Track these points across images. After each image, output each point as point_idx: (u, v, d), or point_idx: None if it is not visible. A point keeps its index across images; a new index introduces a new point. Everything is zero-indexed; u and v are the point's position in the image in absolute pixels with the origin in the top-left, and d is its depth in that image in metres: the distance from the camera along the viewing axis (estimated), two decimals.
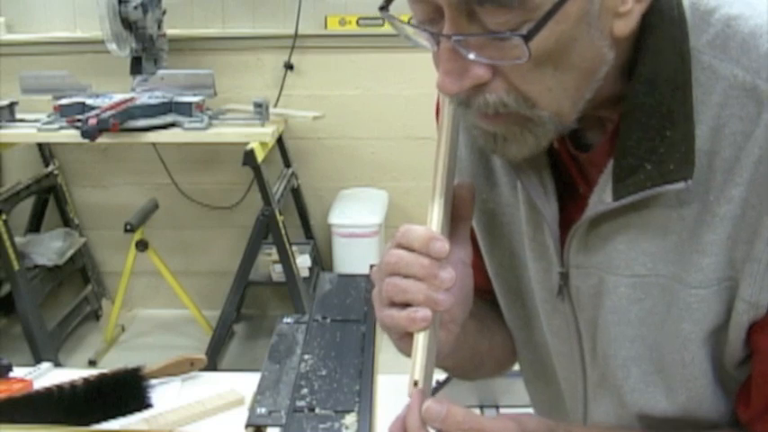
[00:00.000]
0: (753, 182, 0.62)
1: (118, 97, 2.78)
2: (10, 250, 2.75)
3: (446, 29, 0.59)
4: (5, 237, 2.74)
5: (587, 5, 0.58)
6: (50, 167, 3.25)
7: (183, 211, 3.39)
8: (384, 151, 3.32)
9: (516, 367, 0.93)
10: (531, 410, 0.95)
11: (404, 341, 0.67)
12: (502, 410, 1.37)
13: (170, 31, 3.03)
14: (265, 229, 2.81)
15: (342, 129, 3.29)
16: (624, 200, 0.65)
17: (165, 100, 2.73)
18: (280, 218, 2.80)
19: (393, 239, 0.68)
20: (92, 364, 3.01)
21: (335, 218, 3.06)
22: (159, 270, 3.16)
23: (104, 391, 1.16)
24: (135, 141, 2.71)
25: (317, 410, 1.04)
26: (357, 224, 3.02)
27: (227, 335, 3.01)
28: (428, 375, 0.64)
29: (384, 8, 0.66)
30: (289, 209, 3.25)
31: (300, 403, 1.06)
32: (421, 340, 0.64)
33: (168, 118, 2.71)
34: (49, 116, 2.75)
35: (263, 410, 1.07)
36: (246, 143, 2.63)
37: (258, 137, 2.68)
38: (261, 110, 2.73)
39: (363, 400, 1.06)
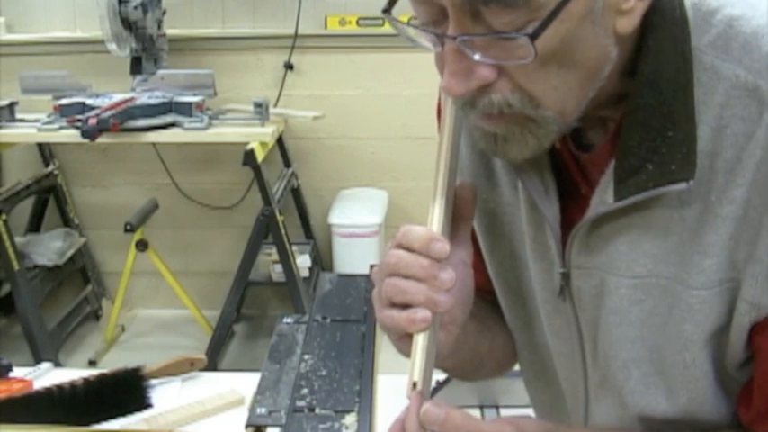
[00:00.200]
0: (754, 182, 0.61)
1: (118, 97, 2.78)
2: (10, 250, 2.75)
3: (451, 30, 0.59)
4: (5, 237, 2.74)
5: (591, 3, 0.58)
6: (50, 167, 3.25)
7: (183, 211, 3.39)
8: (384, 151, 3.32)
9: (516, 367, 0.92)
10: (531, 410, 0.94)
11: (403, 342, 0.67)
12: (502, 410, 1.37)
13: (170, 31, 3.03)
14: (265, 229, 2.81)
15: (342, 129, 3.29)
16: (626, 200, 0.65)
17: (165, 100, 2.73)
18: (280, 218, 2.80)
19: (393, 240, 0.68)
20: (92, 364, 3.01)
21: (335, 218, 3.06)
22: (159, 270, 3.16)
23: (104, 391, 1.16)
24: (135, 141, 2.71)
25: (317, 410, 1.04)
26: (357, 224, 3.02)
27: (227, 335, 3.01)
28: (427, 376, 0.64)
29: (387, 10, 0.66)
30: (289, 209, 3.25)
31: (300, 403, 1.06)
32: (420, 341, 0.64)
33: (168, 118, 2.71)
34: (49, 116, 2.75)
35: (263, 410, 1.07)
36: (246, 143, 2.63)
37: (258, 137, 2.68)
38: (261, 110, 2.73)
39: (363, 400, 1.06)
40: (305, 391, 1.09)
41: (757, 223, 0.62)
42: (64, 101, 2.76)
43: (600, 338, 0.74)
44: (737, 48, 0.63)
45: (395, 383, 1.09)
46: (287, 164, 3.24)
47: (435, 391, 1.32)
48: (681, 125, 0.63)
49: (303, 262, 3.04)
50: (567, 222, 0.72)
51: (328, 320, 1.28)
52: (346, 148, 3.32)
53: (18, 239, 2.93)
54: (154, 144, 3.15)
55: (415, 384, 0.62)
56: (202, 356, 1.31)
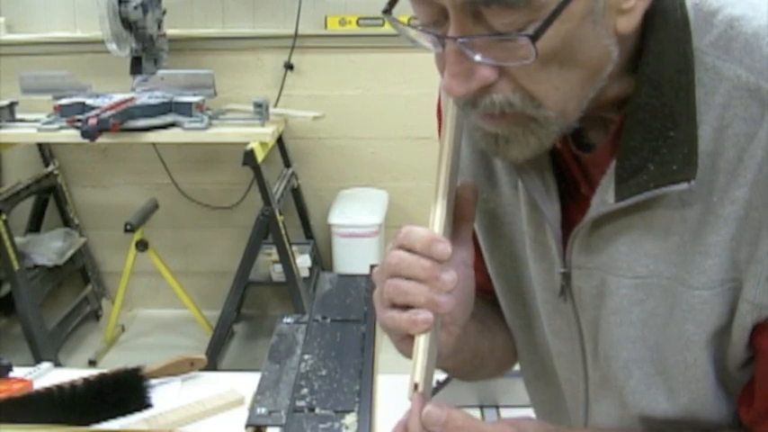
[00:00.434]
0: (756, 183, 0.61)
1: (118, 97, 2.78)
2: (10, 250, 2.75)
3: (452, 31, 0.59)
4: (5, 237, 2.74)
5: (592, 3, 0.57)
6: (50, 167, 3.25)
7: (183, 211, 3.39)
8: (384, 151, 3.32)
9: (516, 367, 0.92)
10: (531, 410, 0.94)
11: (405, 343, 0.67)
12: (502, 410, 1.37)
13: (170, 31, 3.03)
14: (265, 229, 2.81)
15: (342, 129, 3.29)
16: (627, 201, 0.65)
17: (165, 100, 2.73)
18: (280, 218, 2.80)
19: (394, 241, 0.68)
20: (92, 364, 3.01)
21: (335, 218, 3.06)
22: (159, 270, 3.16)
23: (104, 391, 1.16)
24: (135, 141, 2.71)
25: (317, 410, 1.04)
26: (357, 224, 3.02)
27: (227, 335, 3.00)
28: (429, 377, 0.64)
29: (387, 11, 0.66)
30: (289, 209, 3.25)
31: (300, 403, 1.06)
32: (422, 342, 0.64)
33: (168, 118, 2.70)
34: (49, 116, 2.75)
35: (263, 410, 1.07)
36: (246, 143, 2.63)
37: (258, 137, 2.67)
38: (261, 110, 2.73)
39: (363, 400, 1.06)
40: (305, 391, 1.09)
41: (759, 224, 0.62)
42: (64, 101, 2.76)
43: (600, 339, 0.74)
44: (739, 48, 0.63)
45: (395, 383, 1.09)
46: (287, 164, 3.24)
47: (435, 391, 1.32)
48: (682, 125, 0.63)
49: (303, 262, 3.04)
50: (568, 222, 0.72)
51: (328, 320, 1.28)
52: (346, 148, 3.32)
53: (18, 239, 2.93)
54: (154, 144, 3.15)
55: (416, 386, 0.62)
56: (202, 356, 1.31)
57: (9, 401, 1.14)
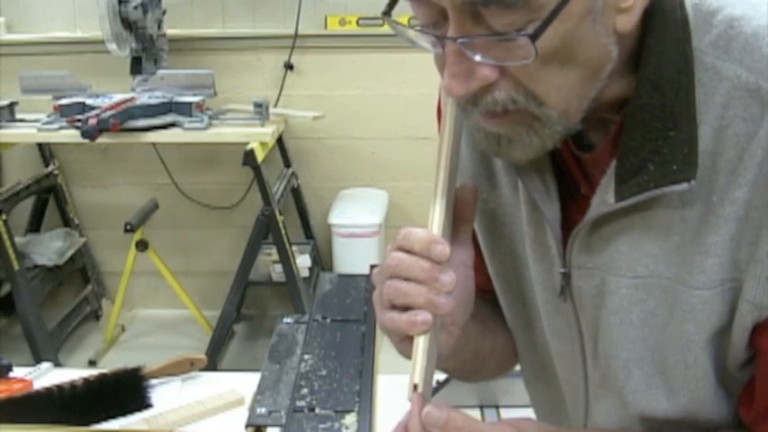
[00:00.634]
0: (756, 183, 0.61)
1: (118, 97, 2.78)
2: (10, 250, 2.75)
3: (451, 32, 0.59)
4: (5, 237, 2.74)
5: (591, 2, 0.58)
6: (50, 167, 3.25)
7: (183, 211, 3.39)
8: (384, 151, 3.32)
9: (517, 368, 0.92)
10: (531, 410, 0.94)
11: (404, 344, 0.67)
12: (502, 410, 1.37)
13: (170, 31, 3.03)
14: (265, 229, 2.81)
15: (342, 129, 3.29)
16: (627, 201, 0.65)
17: (165, 100, 2.73)
18: (280, 218, 2.80)
19: (394, 242, 0.68)
20: (92, 364, 3.01)
21: (335, 218, 3.06)
22: (159, 270, 3.16)
23: (104, 391, 1.16)
24: (135, 141, 2.71)
25: (317, 410, 1.04)
26: (357, 224, 3.02)
27: (227, 335, 3.00)
28: (428, 378, 0.64)
29: (387, 12, 0.66)
30: (289, 209, 3.25)
31: (300, 403, 1.06)
32: (421, 343, 0.64)
33: (168, 118, 2.70)
34: (49, 116, 2.75)
35: (263, 410, 1.07)
36: (246, 143, 2.63)
37: (258, 137, 2.67)
38: (261, 110, 2.73)
39: (363, 400, 1.06)
40: (305, 391, 1.09)
41: (759, 224, 0.62)
42: (64, 101, 2.76)
43: (600, 338, 0.74)
44: (738, 48, 0.63)
45: (395, 383, 1.09)
46: (287, 164, 3.24)
47: (435, 391, 1.32)
48: (682, 125, 0.63)
49: (303, 262, 3.03)
50: (568, 222, 0.72)
51: (328, 320, 1.28)
52: (346, 148, 3.32)
53: (18, 239, 2.93)
54: (154, 144, 3.15)
55: (416, 387, 0.62)
56: (202, 356, 1.31)
57: (9, 401, 1.14)
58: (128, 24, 2.80)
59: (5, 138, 2.76)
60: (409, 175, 3.32)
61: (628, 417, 0.74)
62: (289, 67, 3.23)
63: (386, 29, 3.01)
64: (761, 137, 0.61)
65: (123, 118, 2.60)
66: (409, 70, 3.17)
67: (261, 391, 1.12)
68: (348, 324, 1.26)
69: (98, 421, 1.14)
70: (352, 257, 3.03)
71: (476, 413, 1.36)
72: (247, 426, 1.06)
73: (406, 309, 0.66)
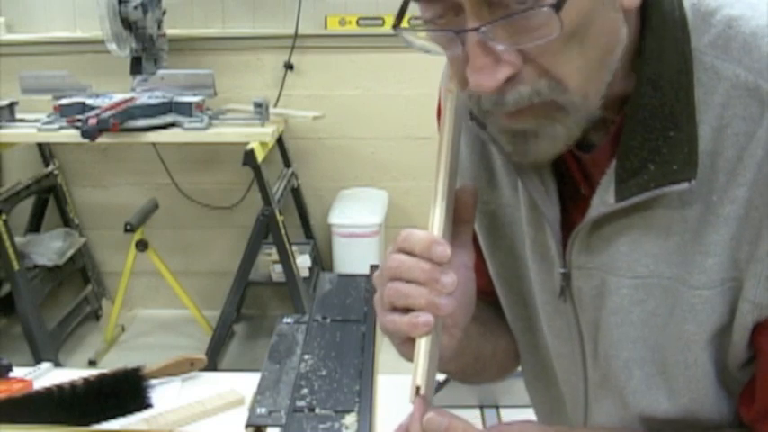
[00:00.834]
0: (756, 182, 0.62)
1: (118, 97, 2.78)
2: (10, 250, 2.75)
3: (470, 23, 0.58)
4: (5, 237, 2.74)
5: None
6: (50, 167, 3.25)
7: (183, 211, 3.39)
8: (384, 151, 3.32)
9: (518, 368, 0.92)
10: (531, 411, 0.94)
11: (406, 346, 0.67)
12: (502, 410, 1.37)
13: (170, 31, 3.03)
14: (265, 229, 2.81)
15: (342, 129, 3.29)
16: (627, 201, 0.65)
17: (165, 100, 2.73)
18: (280, 218, 2.80)
19: (394, 244, 0.67)
20: (92, 364, 3.01)
21: (335, 218, 3.06)
22: (159, 270, 3.16)
23: (104, 391, 1.16)
24: (135, 141, 2.71)
25: (317, 410, 1.04)
26: (357, 224, 3.02)
27: (227, 335, 3.00)
28: (430, 380, 0.64)
29: (397, 26, 0.65)
30: (289, 209, 3.25)
31: (300, 403, 1.06)
32: (423, 345, 0.64)
33: (168, 118, 2.70)
34: (49, 116, 2.75)
35: (263, 410, 1.07)
36: (246, 143, 2.63)
37: (258, 137, 2.67)
38: (261, 110, 2.73)
39: (363, 400, 1.06)
40: (305, 391, 1.09)
41: (759, 223, 0.62)
42: (64, 101, 2.76)
43: (601, 339, 0.74)
44: (737, 48, 0.63)
45: (395, 383, 1.09)
46: (287, 164, 3.24)
47: (435, 391, 1.32)
48: (682, 125, 0.63)
49: (303, 262, 3.03)
50: (568, 223, 0.72)
51: (328, 320, 1.28)
52: (346, 148, 3.32)
53: (18, 239, 2.93)
54: (154, 144, 3.15)
55: (418, 389, 0.62)
56: (202, 356, 1.31)
57: (9, 401, 1.13)
58: (128, 24, 2.80)
59: (5, 138, 2.76)
60: (409, 175, 3.32)
61: (628, 417, 0.74)
62: (289, 67, 3.23)
63: (386, 29, 3.00)
64: (760, 136, 0.61)
65: (123, 118, 2.60)
66: (409, 70, 3.17)
67: (261, 391, 1.12)
68: (348, 324, 1.26)
69: (98, 421, 1.14)
70: (352, 257, 3.03)
71: (476, 413, 1.36)
72: (247, 426, 1.06)
73: (407, 310, 0.65)
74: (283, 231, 2.80)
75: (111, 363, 2.91)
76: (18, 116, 2.81)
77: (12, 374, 1.26)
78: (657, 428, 0.74)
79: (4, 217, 2.75)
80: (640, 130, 0.64)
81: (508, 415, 1.35)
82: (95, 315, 3.41)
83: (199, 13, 3.24)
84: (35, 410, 1.12)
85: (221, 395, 1.21)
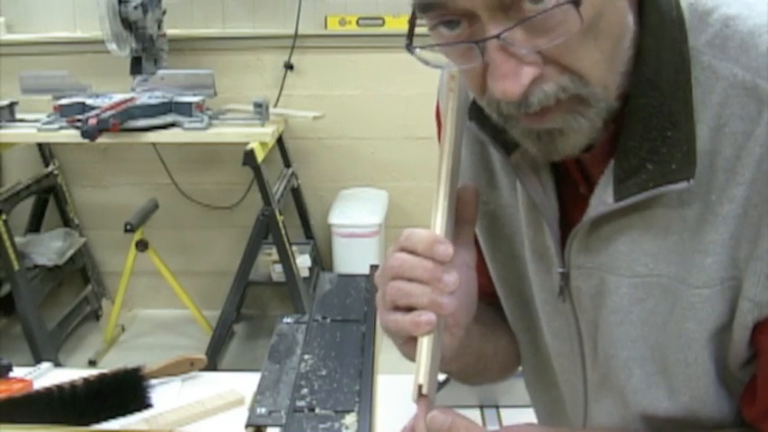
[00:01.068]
0: (755, 181, 0.62)
1: (118, 97, 2.78)
2: (10, 250, 2.75)
3: (491, 30, 0.58)
4: (5, 237, 2.74)
5: None
6: (50, 167, 3.25)
7: (183, 211, 3.39)
8: (384, 151, 3.32)
9: (519, 369, 0.92)
10: (531, 411, 0.94)
11: (408, 345, 0.67)
12: (502, 410, 1.37)
13: (170, 31, 3.03)
14: (265, 229, 2.81)
15: (342, 129, 3.29)
16: (626, 201, 0.65)
17: (165, 100, 2.73)
18: (280, 218, 2.80)
19: (396, 243, 0.67)
20: (92, 364, 3.01)
21: (335, 218, 3.06)
22: (159, 270, 3.16)
23: (104, 391, 1.16)
24: (135, 141, 2.71)
25: (317, 410, 1.04)
26: (357, 224, 3.02)
27: (227, 335, 3.00)
28: (432, 379, 0.64)
29: (409, 45, 0.64)
30: (289, 209, 3.25)
31: (300, 403, 1.06)
32: (425, 344, 0.64)
33: (168, 118, 2.71)
34: (49, 116, 2.75)
35: (263, 410, 1.07)
36: (246, 143, 2.63)
37: (258, 137, 2.67)
38: (261, 110, 2.73)
39: (363, 400, 1.06)
40: (305, 391, 1.09)
41: (758, 221, 0.62)
42: (64, 101, 2.76)
43: (600, 338, 0.74)
44: (735, 47, 0.63)
45: (395, 383, 1.09)
46: (287, 164, 3.24)
47: (436, 391, 1.32)
48: (680, 125, 0.63)
49: (303, 262, 3.03)
50: (566, 222, 0.72)
51: (328, 320, 1.28)
52: (346, 148, 3.32)
53: (18, 239, 2.93)
54: (154, 144, 3.15)
55: (420, 387, 0.62)
56: (202, 356, 1.31)
57: (9, 401, 1.13)
58: (128, 24, 2.80)
59: (5, 138, 2.76)
60: (409, 175, 3.32)
61: (629, 416, 0.74)
62: (289, 67, 3.23)
63: (386, 29, 3.00)
64: (758, 135, 0.61)
65: (123, 118, 2.60)
66: (409, 70, 3.16)
67: (261, 391, 1.12)
68: (348, 324, 1.26)
69: (98, 421, 1.14)
70: (352, 257, 3.03)
71: (476, 413, 1.36)
72: (247, 426, 1.06)
73: (409, 310, 0.65)
74: (283, 231, 2.80)
75: (111, 363, 2.91)
76: (18, 116, 2.81)
77: (12, 374, 1.26)
78: (658, 427, 0.74)
79: (4, 217, 2.75)
80: (639, 129, 0.64)
81: (508, 415, 1.35)
82: (95, 315, 3.41)
83: (199, 13, 3.24)
84: (35, 410, 1.12)
85: (221, 395, 1.21)
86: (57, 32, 3.26)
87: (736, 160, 0.62)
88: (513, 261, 0.81)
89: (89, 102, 2.74)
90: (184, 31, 3.18)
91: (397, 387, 0.99)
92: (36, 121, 2.74)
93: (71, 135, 2.64)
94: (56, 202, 3.34)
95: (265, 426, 1.05)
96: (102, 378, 1.17)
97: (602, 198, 0.67)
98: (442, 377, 1.30)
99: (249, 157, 2.60)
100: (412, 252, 0.66)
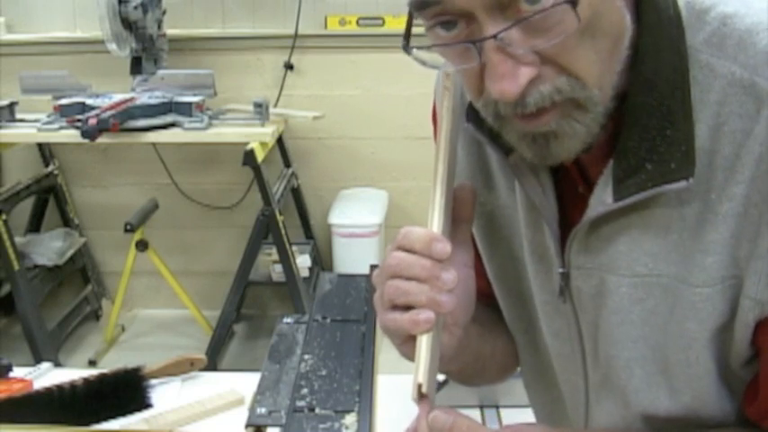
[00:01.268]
0: (754, 179, 0.62)
1: (118, 97, 2.78)
2: (10, 250, 2.75)
3: (488, 30, 0.58)
4: (5, 237, 2.74)
5: None
6: (50, 167, 3.25)
7: (183, 211, 3.39)
8: (384, 151, 3.32)
9: (518, 369, 0.92)
10: (531, 410, 0.94)
11: (407, 345, 0.67)
12: (502, 410, 1.37)
13: (170, 31, 3.03)
14: (265, 229, 2.81)
15: (342, 129, 3.29)
16: (625, 201, 0.65)
17: (165, 100, 2.73)
18: (280, 218, 2.80)
19: (394, 242, 0.67)
20: (92, 364, 3.01)
21: (335, 218, 3.06)
22: (159, 270, 3.16)
23: (104, 391, 1.16)
24: (135, 141, 2.71)
25: (317, 410, 1.04)
26: (357, 224, 3.02)
27: (227, 335, 3.00)
28: (432, 378, 0.64)
29: (407, 46, 0.64)
30: (289, 209, 3.25)
31: (300, 403, 1.06)
32: (424, 343, 0.63)
33: (168, 118, 2.71)
34: (49, 116, 2.75)
35: (263, 410, 1.07)
36: (246, 143, 2.63)
37: (258, 137, 2.67)
38: (261, 110, 2.73)
39: (363, 400, 1.06)
40: (305, 391, 1.09)
41: (758, 220, 0.62)
42: (64, 101, 2.76)
43: (601, 338, 0.74)
44: (732, 45, 0.63)
45: (395, 383, 1.09)
46: (287, 164, 3.24)
47: (436, 391, 1.32)
48: (679, 124, 0.63)
49: (303, 262, 3.03)
50: (566, 222, 0.72)
51: (328, 320, 1.28)
52: (346, 148, 3.32)
53: (18, 239, 2.93)
54: (154, 144, 3.15)
55: (420, 386, 0.62)
56: (202, 356, 1.31)
57: (9, 401, 1.13)
58: (128, 24, 2.80)
59: (5, 138, 2.76)
60: (409, 175, 3.32)
61: (630, 416, 0.74)
62: (289, 67, 3.23)
63: (386, 29, 3.00)
64: (757, 133, 0.61)
65: (123, 118, 2.60)
66: (409, 70, 3.13)
67: (261, 391, 1.12)
68: (348, 324, 1.26)
69: (98, 421, 1.14)
70: (352, 257, 3.03)
71: (476, 413, 1.36)
72: (247, 426, 1.06)
73: (407, 308, 0.65)
74: (283, 231, 2.80)
75: (111, 363, 2.91)
76: (18, 116, 2.81)
77: (12, 374, 1.26)
78: (659, 427, 0.74)
79: (4, 217, 2.75)
80: (637, 129, 0.64)
81: (508, 415, 1.35)
82: (95, 315, 3.41)
83: (199, 13, 3.24)
84: (35, 410, 1.12)
85: (221, 395, 1.21)
86: (57, 32, 3.26)
87: (736, 159, 0.62)
88: (512, 262, 0.81)
89: (89, 102, 2.74)
90: (184, 31, 3.18)
91: (397, 387, 0.99)
92: (36, 121, 2.74)
93: (71, 135, 2.64)
94: (56, 202, 3.34)
95: (265, 426, 1.05)
96: (102, 378, 1.17)
97: (602, 198, 0.67)
98: (441, 377, 1.30)
99: (249, 157, 2.60)
100: (409, 250, 0.65)
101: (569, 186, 0.73)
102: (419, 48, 0.64)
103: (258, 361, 1.43)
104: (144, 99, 2.74)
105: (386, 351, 0.95)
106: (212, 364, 2.70)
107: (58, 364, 1.98)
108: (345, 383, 1.10)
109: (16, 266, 2.78)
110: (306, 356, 1.18)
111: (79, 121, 2.59)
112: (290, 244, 2.86)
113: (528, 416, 0.94)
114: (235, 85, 3.20)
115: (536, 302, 0.80)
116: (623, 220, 0.68)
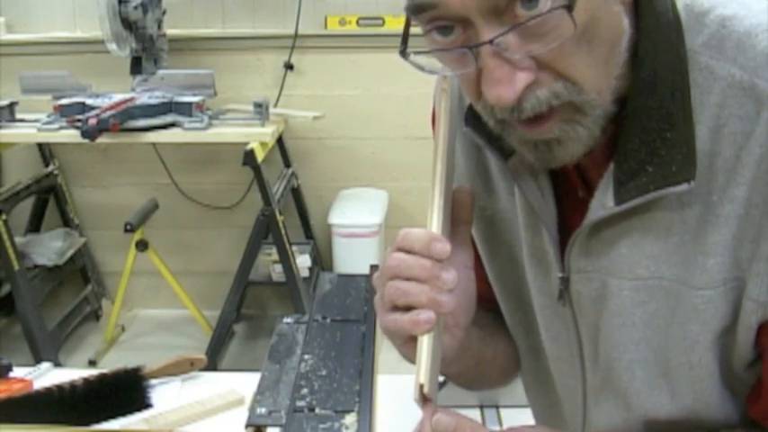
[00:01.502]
0: (755, 181, 0.62)
1: (118, 97, 2.78)
2: (10, 250, 2.75)
3: (484, 36, 0.58)
4: (5, 237, 2.74)
5: None
6: (50, 167, 3.25)
7: (183, 211, 3.39)
8: (384, 151, 3.32)
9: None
10: (530, 411, 0.94)
11: (408, 346, 0.67)
12: (502, 410, 1.37)
13: (170, 31, 3.03)
14: (265, 229, 2.81)
15: (342, 129, 3.29)
16: (626, 204, 0.65)
17: (165, 100, 2.73)
18: (280, 218, 2.80)
19: (393, 244, 0.67)
20: (92, 364, 3.01)
21: (335, 218, 3.06)
22: (159, 270, 3.16)
23: (104, 391, 1.16)
24: (135, 141, 2.71)
25: (317, 410, 1.04)
26: (357, 224, 3.02)
27: (227, 335, 3.01)
28: (433, 379, 0.63)
29: (404, 51, 0.64)
30: (289, 209, 3.25)
31: (300, 403, 1.06)
32: (425, 343, 0.63)
33: (168, 118, 2.71)
34: (49, 116, 2.75)
35: (263, 410, 1.07)
36: (246, 143, 2.63)
37: (258, 137, 2.67)
38: (261, 110, 2.73)
39: (363, 400, 1.06)
40: (305, 391, 1.09)
41: (759, 221, 0.62)
42: (64, 101, 2.76)
43: (601, 341, 0.73)
44: (732, 47, 0.63)
45: (395, 383, 1.09)
46: (287, 164, 3.24)
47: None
48: (679, 126, 0.63)
49: (303, 262, 3.03)
50: (565, 226, 0.72)
51: (328, 320, 1.28)
52: (346, 148, 3.32)
53: (18, 239, 2.93)
54: (154, 144, 3.15)
55: (422, 387, 0.62)
56: (202, 356, 1.31)
57: (9, 401, 1.13)
58: (128, 24, 2.80)
59: (5, 138, 2.76)
60: (409, 175, 3.32)
61: (631, 419, 0.74)
62: (289, 67, 3.23)
63: (386, 29, 3.00)
64: (758, 135, 0.61)
65: (123, 118, 2.60)
66: (409, 70, 3.12)
67: (261, 391, 1.12)
68: (348, 324, 1.26)
69: (98, 421, 1.14)
70: (352, 257, 3.03)
71: (476, 413, 1.36)
72: (247, 426, 1.06)
73: (408, 309, 0.65)
74: (283, 231, 2.80)
75: (111, 363, 2.91)
76: (18, 116, 2.81)
77: (12, 374, 1.26)
78: (660, 429, 0.73)
79: (4, 217, 2.75)
80: (637, 132, 0.64)
81: (508, 415, 1.36)
82: (95, 315, 3.41)
83: (199, 13, 3.24)
84: (35, 410, 1.12)
85: (221, 395, 1.21)
86: (57, 32, 3.26)
87: (736, 160, 0.62)
88: (512, 266, 0.81)
89: (89, 102, 2.74)
90: (184, 31, 3.18)
91: (397, 387, 0.99)
92: (36, 121, 2.74)
93: (71, 135, 2.64)
94: (56, 202, 3.34)
95: (265, 426, 1.05)
96: (102, 378, 1.17)
97: (603, 202, 0.67)
98: (440, 378, 1.30)
99: (249, 157, 2.60)
100: (409, 251, 0.65)
101: (568, 190, 0.73)
102: (416, 52, 0.63)
103: (258, 361, 1.43)
104: (144, 99, 2.74)
105: (386, 351, 0.95)
106: (212, 364, 2.71)
107: (58, 364, 1.98)
108: (345, 383, 1.10)
109: (16, 266, 2.78)
110: (306, 356, 1.18)
111: (79, 121, 2.59)
112: (290, 244, 2.86)
113: (528, 416, 0.94)
114: (235, 85, 3.20)
115: (535, 306, 0.80)
116: (624, 223, 0.68)
